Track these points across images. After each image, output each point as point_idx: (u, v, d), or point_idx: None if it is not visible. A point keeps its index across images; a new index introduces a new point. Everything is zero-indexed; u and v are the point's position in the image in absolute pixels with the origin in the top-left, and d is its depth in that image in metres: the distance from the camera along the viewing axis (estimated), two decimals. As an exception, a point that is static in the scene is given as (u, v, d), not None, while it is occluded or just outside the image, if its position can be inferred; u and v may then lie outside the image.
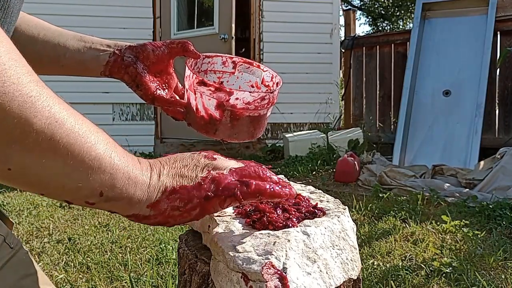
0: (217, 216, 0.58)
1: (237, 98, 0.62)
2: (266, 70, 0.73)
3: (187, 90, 0.67)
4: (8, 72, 0.28)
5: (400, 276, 1.76)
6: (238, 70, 0.74)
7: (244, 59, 0.74)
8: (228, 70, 0.74)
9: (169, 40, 0.70)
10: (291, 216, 0.55)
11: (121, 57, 0.66)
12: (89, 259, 1.99)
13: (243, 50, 7.27)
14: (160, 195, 0.41)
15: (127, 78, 0.67)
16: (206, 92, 0.63)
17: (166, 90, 0.70)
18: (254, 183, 0.46)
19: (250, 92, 0.65)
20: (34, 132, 0.30)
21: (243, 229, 0.53)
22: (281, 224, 0.53)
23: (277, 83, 0.70)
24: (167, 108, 0.70)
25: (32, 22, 0.64)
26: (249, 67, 0.74)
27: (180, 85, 0.75)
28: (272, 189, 0.47)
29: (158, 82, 0.69)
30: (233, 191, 0.44)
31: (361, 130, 4.64)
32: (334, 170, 3.82)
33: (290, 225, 0.53)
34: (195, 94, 0.64)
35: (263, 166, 0.49)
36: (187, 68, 0.65)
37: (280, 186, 0.48)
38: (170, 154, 0.46)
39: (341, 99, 6.00)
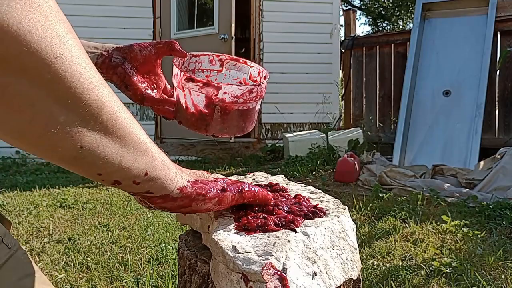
0: (217, 216, 0.58)
1: (225, 92, 0.63)
2: (253, 66, 0.73)
3: (175, 89, 0.67)
4: (87, 60, 0.33)
5: (400, 276, 1.76)
6: (225, 67, 0.74)
7: (231, 56, 0.75)
8: (216, 68, 0.75)
9: (155, 41, 0.70)
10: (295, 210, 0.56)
11: (109, 58, 0.67)
12: (89, 259, 1.99)
13: (243, 50, 7.27)
14: (186, 183, 0.47)
15: (115, 79, 0.67)
16: (194, 88, 0.63)
17: (155, 91, 0.71)
18: (251, 187, 0.55)
19: (237, 85, 0.65)
20: (104, 113, 0.35)
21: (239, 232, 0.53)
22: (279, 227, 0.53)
23: (265, 77, 0.70)
24: (157, 108, 0.71)
25: None
26: (236, 63, 0.74)
27: (168, 85, 0.75)
28: (261, 193, 0.56)
29: (146, 82, 0.70)
30: (240, 188, 0.53)
31: (361, 130, 4.64)
32: (334, 170, 3.82)
33: (293, 225, 0.53)
34: (183, 91, 0.65)
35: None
36: (174, 66, 0.66)
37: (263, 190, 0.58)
38: None
39: (341, 99, 6.00)
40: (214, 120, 0.65)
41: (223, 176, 0.54)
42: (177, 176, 0.46)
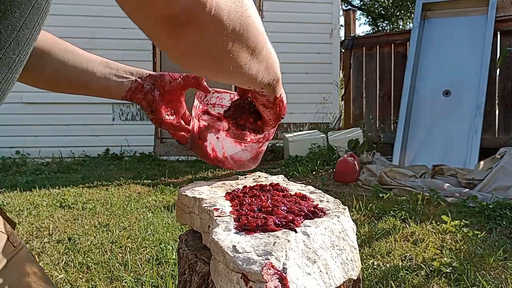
0: (217, 216, 0.58)
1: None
2: None
3: (193, 118, 0.75)
4: (257, 14, 0.45)
5: (400, 276, 1.76)
6: None
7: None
8: None
9: (185, 74, 0.79)
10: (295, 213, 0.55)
11: (142, 84, 0.76)
12: (89, 259, 1.99)
13: (243, 50, 7.27)
14: (280, 92, 0.64)
15: (144, 104, 0.77)
16: (208, 121, 0.71)
17: (174, 116, 0.80)
18: None
19: (240, 144, 0.73)
20: (264, 50, 0.49)
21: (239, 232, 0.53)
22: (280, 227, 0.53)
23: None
24: (173, 132, 0.81)
25: (62, 46, 0.71)
26: None
27: (188, 112, 0.83)
28: None
29: (168, 108, 0.79)
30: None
31: (361, 130, 4.64)
32: (334, 170, 3.82)
33: (293, 225, 0.53)
34: (199, 121, 0.72)
35: None
36: (195, 99, 0.74)
37: None
38: None
39: (341, 99, 6.00)
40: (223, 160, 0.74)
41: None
42: (279, 86, 0.62)
